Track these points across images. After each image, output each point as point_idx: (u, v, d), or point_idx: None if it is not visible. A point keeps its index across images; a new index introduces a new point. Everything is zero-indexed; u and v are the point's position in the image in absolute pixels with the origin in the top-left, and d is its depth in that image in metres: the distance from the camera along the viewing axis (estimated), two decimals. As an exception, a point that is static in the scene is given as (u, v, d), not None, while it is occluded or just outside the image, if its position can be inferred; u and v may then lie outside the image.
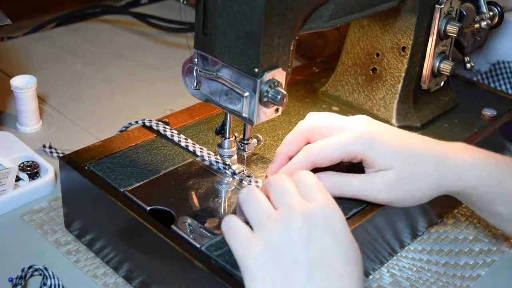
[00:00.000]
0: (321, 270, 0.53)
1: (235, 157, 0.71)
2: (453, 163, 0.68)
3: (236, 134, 0.70)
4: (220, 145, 0.70)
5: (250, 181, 0.70)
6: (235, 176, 0.70)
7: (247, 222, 0.57)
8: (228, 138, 0.69)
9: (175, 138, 0.76)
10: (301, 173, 0.60)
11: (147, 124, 0.78)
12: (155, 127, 0.77)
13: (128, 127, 0.82)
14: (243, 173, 0.71)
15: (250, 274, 0.54)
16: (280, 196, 0.57)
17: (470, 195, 0.69)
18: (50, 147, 0.87)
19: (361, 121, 0.68)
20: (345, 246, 0.55)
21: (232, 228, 0.56)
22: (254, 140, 0.71)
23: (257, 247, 0.54)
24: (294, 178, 0.59)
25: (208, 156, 0.73)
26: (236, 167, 0.71)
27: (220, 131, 0.69)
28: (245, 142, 0.70)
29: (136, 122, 0.79)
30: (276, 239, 0.54)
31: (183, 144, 0.75)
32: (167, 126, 0.77)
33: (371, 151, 0.66)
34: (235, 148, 0.70)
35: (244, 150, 0.70)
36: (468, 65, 0.88)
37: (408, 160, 0.67)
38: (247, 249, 0.54)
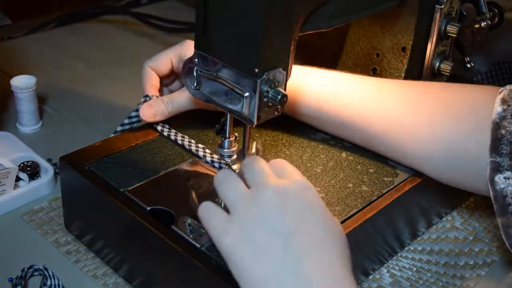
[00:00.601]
0: (299, 237, 0.52)
1: (235, 157, 0.71)
2: None
3: (236, 134, 0.70)
4: (220, 145, 0.70)
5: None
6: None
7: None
8: (228, 138, 0.69)
9: (173, 137, 0.76)
10: (277, 160, 0.60)
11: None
12: (158, 128, 0.77)
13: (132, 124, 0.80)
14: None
15: (228, 256, 0.54)
16: (254, 175, 0.57)
17: None
18: (55, 164, 0.84)
19: None
20: (322, 216, 0.55)
21: (209, 214, 0.56)
22: (253, 151, 0.71)
23: (233, 228, 0.54)
24: (269, 163, 0.60)
25: (208, 156, 0.73)
26: (236, 167, 0.71)
27: (220, 131, 0.69)
28: (245, 153, 0.70)
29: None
30: (250, 215, 0.54)
31: (181, 142, 0.75)
32: (166, 126, 0.77)
33: None
34: (235, 148, 0.70)
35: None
36: (468, 65, 0.88)
37: None
38: (223, 231, 0.54)
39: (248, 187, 0.57)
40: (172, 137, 0.76)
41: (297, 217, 0.54)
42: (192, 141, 0.76)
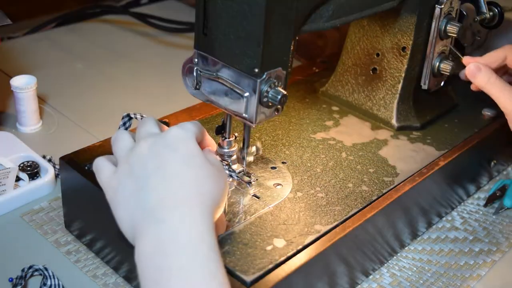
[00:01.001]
0: (157, 177, 0.54)
1: (235, 157, 0.71)
2: None
3: (236, 134, 0.70)
4: (220, 145, 0.70)
5: (250, 181, 0.70)
6: (235, 176, 0.70)
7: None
8: (228, 138, 0.69)
9: None
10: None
11: (139, 118, 0.76)
12: None
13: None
14: (243, 173, 0.71)
15: (111, 207, 0.56)
16: (140, 132, 0.60)
17: None
18: (50, 160, 0.86)
19: None
20: (182, 153, 0.56)
21: (98, 169, 0.59)
22: (253, 149, 0.71)
23: (113, 180, 0.57)
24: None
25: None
26: (236, 167, 0.71)
27: (220, 131, 0.69)
28: (246, 152, 0.70)
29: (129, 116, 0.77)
30: (125, 166, 0.57)
31: None
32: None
33: None
34: (235, 148, 0.70)
35: (243, 157, 0.70)
36: (468, 65, 0.87)
37: None
38: (108, 184, 0.57)
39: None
40: None
41: (158, 160, 0.55)
42: None
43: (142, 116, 0.70)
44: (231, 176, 0.70)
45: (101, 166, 0.59)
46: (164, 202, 0.53)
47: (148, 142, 0.57)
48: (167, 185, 0.54)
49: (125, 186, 0.56)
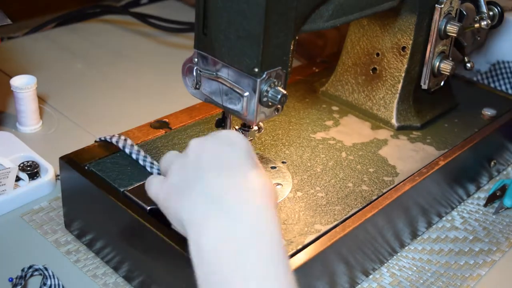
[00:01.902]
0: (213, 172, 0.53)
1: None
2: None
3: (236, 127, 0.70)
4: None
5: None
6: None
7: None
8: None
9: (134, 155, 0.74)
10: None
11: (108, 140, 0.74)
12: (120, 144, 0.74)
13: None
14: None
15: (163, 210, 0.56)
16: (165, 159, 0.60)
17: None
18: None
19: None
20: (240, 147, 0.55)
21: (149, 183, 0.59)
22: (255, 127, 0.70)
23: (164, 184, 0.56)
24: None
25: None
26: None
27: (221, 124, 0.69)
28: (246, 129, 0.69)
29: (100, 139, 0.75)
30: (175, 168, 0.56)
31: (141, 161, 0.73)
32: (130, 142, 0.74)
33: None
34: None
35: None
36: (468, 65, 0.88)
37: None
38: (159, 190, 0.57)
39: None
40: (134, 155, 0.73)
41: (211, 154, 0.55)
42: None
43: (118, 136, 0.71)
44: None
45: (151, 179, 0.59)
46: (230, 194, 0.51)
47: (198, 141, 0.56)
48: (230, 176, 0.52)
49: (181, 178, 0.54)
